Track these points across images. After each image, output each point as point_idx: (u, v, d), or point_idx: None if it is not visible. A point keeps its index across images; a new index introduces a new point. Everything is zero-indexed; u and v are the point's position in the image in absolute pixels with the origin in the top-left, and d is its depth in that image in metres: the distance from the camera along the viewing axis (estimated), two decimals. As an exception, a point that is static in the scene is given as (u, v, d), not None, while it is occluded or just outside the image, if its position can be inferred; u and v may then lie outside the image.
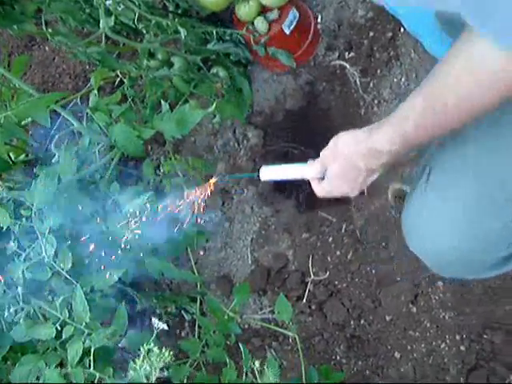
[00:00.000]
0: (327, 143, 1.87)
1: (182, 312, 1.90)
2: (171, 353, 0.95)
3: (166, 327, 1.29)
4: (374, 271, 1.71)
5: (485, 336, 1.59)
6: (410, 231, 1.16)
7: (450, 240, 1.05)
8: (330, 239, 1.78)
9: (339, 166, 1.08)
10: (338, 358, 1.72)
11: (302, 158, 1.98)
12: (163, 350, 0.96)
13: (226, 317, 1.64)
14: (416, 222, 1.13)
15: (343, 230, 1.78)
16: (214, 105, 1.65)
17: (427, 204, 1.08)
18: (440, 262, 1.16)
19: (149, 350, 0.94)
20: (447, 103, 0.81)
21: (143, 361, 0.92)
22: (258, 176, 1.24)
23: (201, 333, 1.64)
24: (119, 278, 1.51)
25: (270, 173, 1.25)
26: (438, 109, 0.83)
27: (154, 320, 1.28)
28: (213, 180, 1.36)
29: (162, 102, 1.64)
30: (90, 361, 1.21)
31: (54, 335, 1.23)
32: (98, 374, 1.15)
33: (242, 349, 1.61)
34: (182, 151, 1.99)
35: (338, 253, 1.76)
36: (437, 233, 1.07)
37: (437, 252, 1.10)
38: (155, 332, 1.09)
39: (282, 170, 1.25)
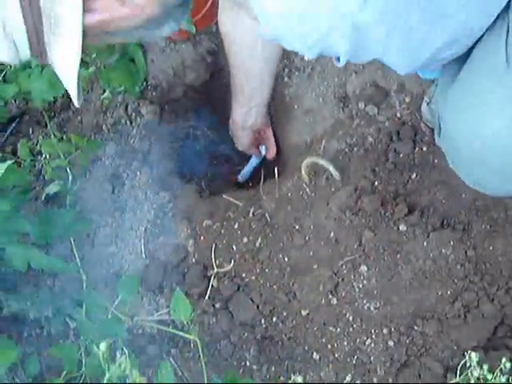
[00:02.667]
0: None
1: (66, 319, 1.60)
2: None
3: None
4: (286, 259, 1.47)
5: (415, 327, 1.37)
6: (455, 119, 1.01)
7: None
8: (236, 225, 1.53)
9: None
10: (248, 363, 1.45)
11: (205, 139, 1.77)
12: None
13: (109, 317, 1.37)
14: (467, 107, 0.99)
15: (251, 215, 1.53)
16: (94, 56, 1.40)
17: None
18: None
19: None
20: None
21: None
22: None
23: (86, 341, 1.36)
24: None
25: None
26: None
27: None
28: None
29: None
30: None
31: None
32: None
33: (126, 353, 1.34)
34: (67, 132, 1.70)
35: (246, 240, 1.50)
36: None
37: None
38: None
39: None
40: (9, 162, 1.23)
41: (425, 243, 1.38)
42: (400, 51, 0.89)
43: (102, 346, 0.84)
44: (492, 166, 0.99)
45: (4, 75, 1.46)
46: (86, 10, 0.73)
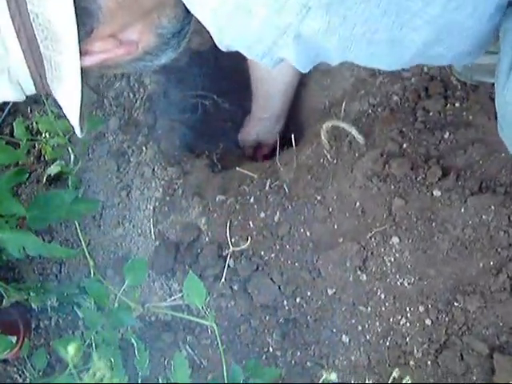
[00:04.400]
0: (241, 89, 1.53)
1: (75, 308, 1.49)
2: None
3: None
4: (308, 233, 1.34)
5: (456, 304, 1.23)
6: None
7: None
8: (252, 200, 1.40)
9: None
10: (271, 349, 1.34)
11: (215, 109, 1.64)
12: None
13: (116, 305, 1.26)
14: None
15: (268, 187, 1.40)
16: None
17: None
18: None
19: None
20: None
21: None
22: None
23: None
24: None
25: None
26: None
27: None
28: None
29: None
30: None
31: None
32: None
33: (135, 344, 1.23)
34: (66, 109, 1.58)
35: (263, 215, 1.38)
36: None
37: None
38: None
39: None
40: (-2, 141, 1.12)
41: (462, 209, 1.24)
42: (369, 56, 0.82)
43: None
44: None
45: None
46: (85, 52, 0.74)
